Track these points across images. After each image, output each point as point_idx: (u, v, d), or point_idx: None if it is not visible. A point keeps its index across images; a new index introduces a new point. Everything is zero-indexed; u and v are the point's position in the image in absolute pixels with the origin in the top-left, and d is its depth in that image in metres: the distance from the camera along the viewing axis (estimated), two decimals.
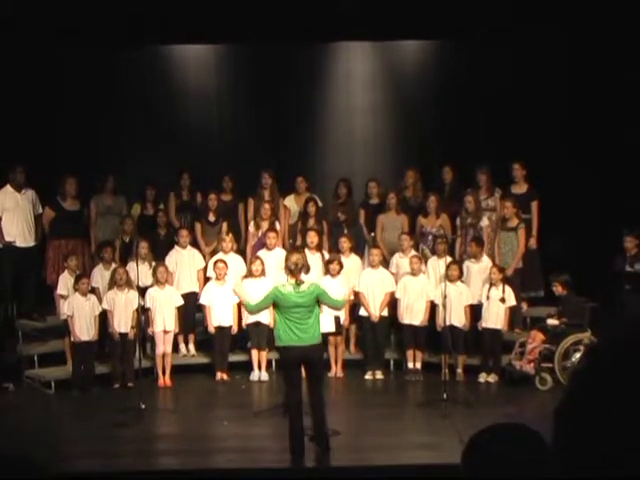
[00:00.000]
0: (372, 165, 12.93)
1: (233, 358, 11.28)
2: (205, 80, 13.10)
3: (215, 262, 11.08)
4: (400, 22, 11.67)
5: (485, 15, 11.17)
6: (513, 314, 11.00)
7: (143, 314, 10.61)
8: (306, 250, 10.40)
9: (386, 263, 11.31)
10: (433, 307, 10.96)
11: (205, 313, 11.15)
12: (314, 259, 10.72)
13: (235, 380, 10.95)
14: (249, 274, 10.97)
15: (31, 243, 11.31)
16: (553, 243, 11.26)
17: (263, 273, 10.91)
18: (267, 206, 11.63)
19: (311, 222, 11.61)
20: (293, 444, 7.85)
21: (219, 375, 10.92)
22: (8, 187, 11.24)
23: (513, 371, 10.44)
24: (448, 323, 10.66)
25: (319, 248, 11.27)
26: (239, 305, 11.09)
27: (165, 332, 10.84)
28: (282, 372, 8.52)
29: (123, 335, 10.64)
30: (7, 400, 10.25)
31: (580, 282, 10.48)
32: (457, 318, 10.77)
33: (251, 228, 11.76)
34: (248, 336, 11.19)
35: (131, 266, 10.63)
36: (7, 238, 11.17)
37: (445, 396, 9.39)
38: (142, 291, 10.53)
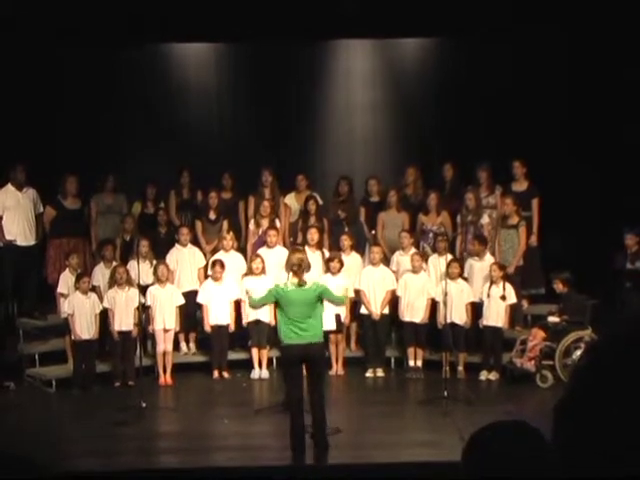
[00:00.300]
0: (372, 163, 12.93)
1: (234, 356, 11.28)
2: (205, 78, 13.10)
3: (212, 264, 11.08)
4: (400, 20, 11.67)
5: (485, 13, 11.17)
6: (514, 312, 11.00)
7: (144, 312, 10.61)
8: (306, 248, 10.40)
9: (387, 261, 11.31)
10: (434, 305, 10.96)
11: (202, 312, 11.16)
12: (314, 257, 10.71)
13: (236, 378, 10.95)
14: (250, 272, 10.97)
15: (32, 242, 11.31)
16: (553, 240, 11.26)
17: (264, 271, 10.92)
18: (267, 204, 11.63)
19: (312, 220, 11.61)
20: (294, 442, 7.85)
21: (217, 373, 10.93)
22: (9, 186, 11.24)
23: (514, 369, 10.44)
24: (449, 321, 10.66)
25: (319, 246, 11.27)
26: (237, 303, 11.10)
27: (165, 330, 10.84)
28: (283, 370, 8.52)
29: (124, 333, 10.64)
30: (8, 399, 10.25)
31: (581, 279, 10.47)
32: (458, 316, 10.76)
33: (251, 226, 11.76)
34: (249, 334, 11.20)
35: (132, 264, 10.63)
36: (8, 237, 11.17)
37: (446, 394, 9.39)
38: (143, 289, 10.52)
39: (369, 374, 10.96)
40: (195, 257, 11.42)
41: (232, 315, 11.09)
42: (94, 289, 10.81)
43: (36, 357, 10.87)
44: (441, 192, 11.73)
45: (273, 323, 10.71)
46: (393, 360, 11.34)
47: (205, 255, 11.55)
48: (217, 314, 11.03)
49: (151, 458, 8.39)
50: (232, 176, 12.06)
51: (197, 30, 11.89)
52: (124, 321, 10.61)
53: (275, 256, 11.06)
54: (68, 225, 11.41)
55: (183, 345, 11.45)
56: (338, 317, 10.76)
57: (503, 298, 10.62)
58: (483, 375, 10.64)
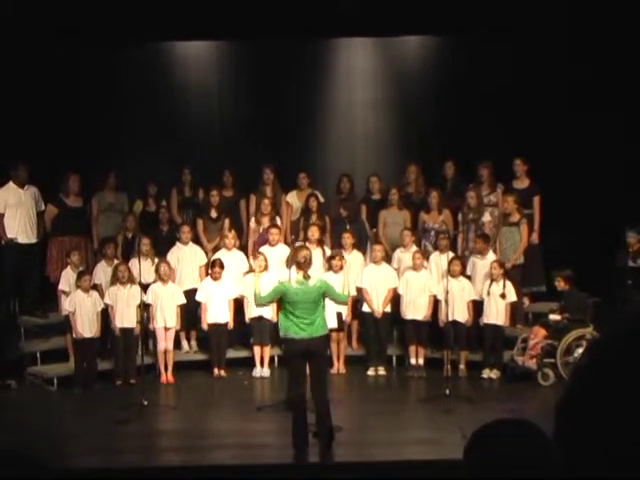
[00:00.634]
0: (373, 161, 12.94)
1: (235, 354, 11.29)
2: (206, 76, 13.10)
3: (212, 263, 11.08)
4: (401, 18, 11.67)
5: (485, 12, 11.16)
6: (515, 310, 11.00)
7: (145, 310, 10.62)
8: (307, 245, 10.39)
9: (388, 259, 11.31)
10: (436, 303, 10.96)
11: (201, 310, 11.16)
12: (315, 254, 10.69)
13: (237, 376, 10.96)
14: (252, 270, 10.98)
15: (33, 240, 11.31)
16: (552, 238, 11.26)
17: (266, 269, 10.92)
18: (267, 201, 11.63)
19: (313, 218, 11.62)
20: (296, 440, 7.85)
21: (216, 371, 10.93)
22: (11, 184, 11.24)
23: (515, 367, 10.44)
24: (451, 319, 10.66)
25: (320, 243, 11.27)
26: (237, 301, 11.10)
27: (166, 329, 10.84)
28: (286, 364, 8.54)
29: (125, 331, 10.64)
30: (9, 397, 10.26)
31: (582, 277, 10.46)
32: (460, 314, 10.76)
33: (252, 224, 11.76)
34: (250, 332, 11.20)
35: (133, 262, 10.63)
36: (9, 235, 11.17)
37: (447, 392, 9.40)
38: (144, 287, 10.53)
39: (370, 372, 10.96)
40: (196, 255, 11.43)
41: (231, 313, 11.09)
42: (95, 287, 10.81)
43: (37, 355, 10.88)
44: (442, 190, 11.73)
45: (275, 320, 10.72)
46: (394, 358, 11.34)
47: (206, 253, 11.55)
48: (216, 312, 11.03)
49: (153, 456, 8.39)
50: (233, 174, 12.07)
51: (198, 28, 11.89)
52: (125, 319, 10.62)
53: (277, 254, 11.07)
54: (70, 223, 11.42)
55: (184, 343, 11.45)
56: (340, 315, 10.79)
57: (503, 296, 10.61)
58: (485, 373, 10.65)
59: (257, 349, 11.06)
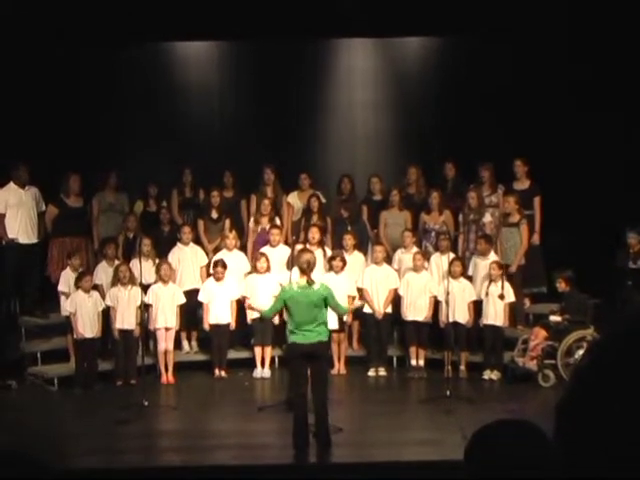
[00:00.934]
0: (373, 161, 12.94)
1: (236, 355, 11.29)
2: (207, 76, 13.10)
3: (215, 264, 11.08)
4: (401, 19, 11.67)
5: (486, 12, 11.16)
6: (515, 310, 10.99)
7: (146, 311, 10.62)
8: (308, 246, 10.40)
9: (389, 259, 11.31)
10: (436, 304, 10.95)
11: (203, 310, 11.17)
12: (316, 255, 10.70)
13: (238, 377, 10.95)
14: (254, 270, 10.98)
15: (34, 240, 11.31)
16: (552, 239, 11.25)
17: (268, 269, 10.93)
18: (267, 202, 11.64)
19: (314, 218, 11.62)
20: (296, 440, 7.86)
21: (217, 372, 10.93)
22: (11, 184, 11.24)
23: (516, 368, 10.43)
24: (451, 320, 10.65)
25: (321, 244, 11.26)
26: (239, 302, 11.10)
27: (167, 329, 10.84)
28: (287, 365, 8.57)
29: (126, 332, 10.64)
30: (10, 397, 10.26)
31: (582, 278, 10.46)
32: (460, 315, 10.75)
33: (251, 224, 11.76)
34: (252, 333, 11.20)
35: (134, 263, 10.63)
36: (10, 235, 11.17)
37: (448, 393, 9.40)
38: (145, 288, 10.53)
39: (371, 373, 10.96)
40: (197, 256, 11.43)
41: (233, 314, 11.09)
42: (96, 287, 10.81)
43: (38, 355, 10.87)
44: (443, 191, 11.73)
45: (277, 322, 10.73)
46: (395, 359, 11.34)
47: (207, 254, 11.55)
48: (217, 313, 11.03)
49: (153, 456, 8.40)
50: (234, 174, 12.07)
51: (199, 28, 11.89)
52: (126, 319, 10.62)
53: (278, 255, 11.08)
54: (71, 224, 11.41)
55: (185, 344, 11.45)
56: (340, 316, 10.77)
57: (502, 297, 10.60)
58: (486, 374, 10.64)
59: (258, 350, 11.06)
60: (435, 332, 10.98)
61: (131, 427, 8.85)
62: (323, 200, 11.87)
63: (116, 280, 10.67)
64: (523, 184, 11.68)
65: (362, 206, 12.01)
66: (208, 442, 8.49)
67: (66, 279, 10.86)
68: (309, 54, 12.82)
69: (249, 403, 9.74)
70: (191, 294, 11.16)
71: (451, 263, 10.65)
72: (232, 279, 11.08)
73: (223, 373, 10.94)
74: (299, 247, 9.91)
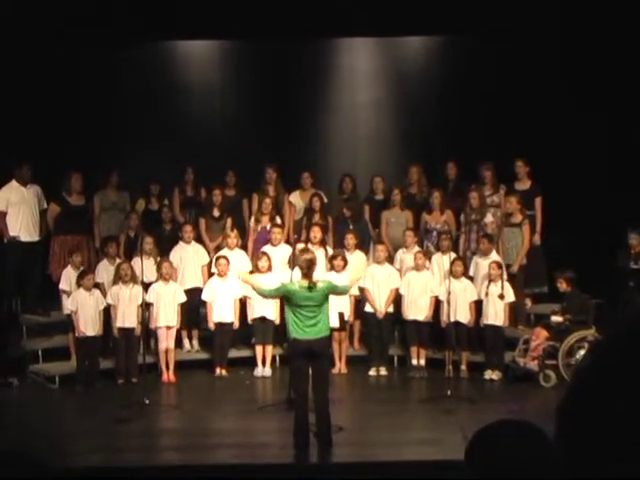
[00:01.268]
0: (375, 161, 12.94)
1: (237, 354, 11.29)
2: (209, 76, 13.10)
3: (217, 258, 11.10)
4: (403, 18, 11.66)
5: (487, 12, 11.16)
6: (516, 311, 10.99)
7: (147, 309, 10.63)
8: (309, 245, 10.40)
9: (390, 259, 11.31)
10: (437, 303, 10.95)
11: (207, 309, 11.17)
12: (317, 254, 10.69)
13: (239, 376, 10.96)
14: (255, 269, 10.98)
15: (35, 238, 11.32)
16: (554, 239, 11.25)
17: (270, 269, 10.93)
18: (268, 201, 11.64)
19: (316, 218, 11.62)
20: (297, 439, 7.86)
21: (218, 370, 10.94)
22: (14, 182, 11.25)
23: (517, 368, 10.43)
24: (452, 319, 10.64)
25: (322, 243, 11.27)
26: (241, 301, 11.11)
27: (168, 328, 10.84)
28: (289, 364, 8.56)
29: (127, 330, 10.64)
30: (11, 395, 10.27)
31: (584, 279, 10.46)
32: (462, 314, 10.75)
33: (251, 223, 11.76)
34: (253, 332, 11.20)
35: (136, 261, 10.63)
36: (12, 233, 11.18)
37: (449, 392, 9.40)
38: (146, 286, 10.54)
39: (372, 372, 10.96)
40: (199, 254, 11.43)
41: (236, 313, 11.10)
42: (98, 286, 10.82)
43: (39, 353, 10.87)
44: (444, 190, 11.73)
45: (278, 321, 10.73)
46: (396, 359, 11.34)
47: (209, 252, 11.56)
48: (221, 312, 11.04)
49: (154, 455, 8.40)
50: (236, 173, 12.06)
51: (200, 27, 11.90)
52: (127, 318, 10.62)
53: (279, 254, 11.08)
54: (72, 222, 11.42)
55: (186, 342, 11.45)
56: (342, 315, 10.76)
57: (501, 297, 10.60)
58: (487, 374, 10.63)
59: (259, 348, 11.06)
60: (436, 332, 10.98)
61: (132, 425, 8.85)
62: (325, 200, 11.87)
63: (117, 278, 10.67)
64: (524, 184, 11.68)
65: (364, 206, 12.01)
66: (209, 441, 8.50)
67: (67, 277, 10.87)
68: (311, 54, 12.81)
69: (250, 402, 9.74)
70: (192, 293, 11.17)
71: (452, 263, 10.64)
72: (235, 278, 11.08)
73: (224, 372, 10.95)
74: (300, 246, 9.90)
